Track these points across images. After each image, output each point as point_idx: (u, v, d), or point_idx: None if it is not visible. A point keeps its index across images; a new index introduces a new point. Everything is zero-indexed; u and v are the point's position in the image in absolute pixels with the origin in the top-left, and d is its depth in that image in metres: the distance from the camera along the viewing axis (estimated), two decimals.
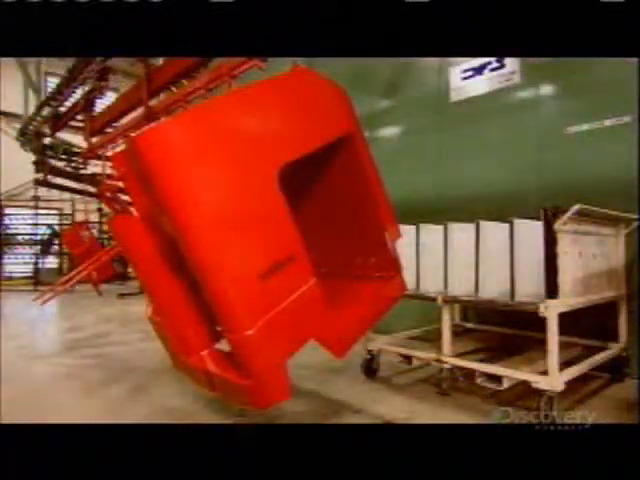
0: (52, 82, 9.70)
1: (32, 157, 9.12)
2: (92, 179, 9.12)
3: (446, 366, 2.91)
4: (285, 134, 1.78)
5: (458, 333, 3.60)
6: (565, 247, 2.45)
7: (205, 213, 1.53)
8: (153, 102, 5.27)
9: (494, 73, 4.14)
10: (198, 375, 1.94)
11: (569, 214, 2.40)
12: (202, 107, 1.85)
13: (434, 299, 2.90)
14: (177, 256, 1.71)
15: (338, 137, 2.00)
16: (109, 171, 6.61)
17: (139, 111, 5.58)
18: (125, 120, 6.18)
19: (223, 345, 1.82)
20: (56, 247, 12.88)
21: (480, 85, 4.23)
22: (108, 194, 6.12)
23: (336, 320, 1.87)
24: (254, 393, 1.68)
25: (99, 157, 6.77)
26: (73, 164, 9.16)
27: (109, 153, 6.22)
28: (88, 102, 6.36)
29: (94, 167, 8.50)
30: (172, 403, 2.90)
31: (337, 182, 2.23)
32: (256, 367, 1.61)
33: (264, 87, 1.81)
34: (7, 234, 12.82)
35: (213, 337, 1.95)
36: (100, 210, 12.86)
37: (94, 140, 6.57)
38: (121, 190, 6.28)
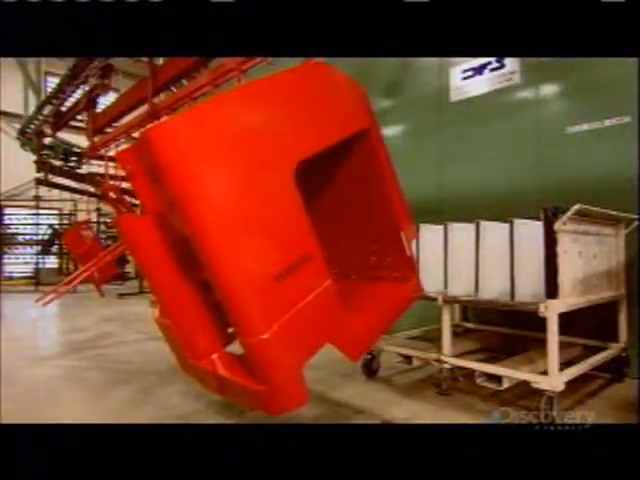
0: (52, 82, 9.71)
1: (33, 157, 9.14)
2: (92, 179, 9.13)
3: (446, 366, 2.91)
4: (301, 129, 1.71)
5: (458, 333, 3.60)
6: (565, 247, 2.45)
7: (219, 211, 1.47)
8: (156, 100, 5.27)
9: (494, 73, 4.14)
10: (208, 379, 1.87)
11: (569, 214, 2.40)
12: (216, 101, 1.77)
13: (434, 299, 2.90)
14: (187, 256, 1.65)
15: (354, 133, 1.94)
16: (112, 171, 6.59)
17: (141, 110, 5.57)
18: (127, 119, 6.17)
19: (233, 348, 1.78)
20: (57, 247, 12.88)
21: (480, 85, 4.23)
22: (111, 194, 6.12)
23: (352, 322, 1.82)
24: (268, 399, 1.61)
25: (101, 157, 6.76)
26: (72, 164, 9.16)
27: (111, 152, 6.21)
28: (90, 100, 6.35)
29: (93, 167, 8.51)
30: (178, 405, 2.90)
31: (352, 179, 2.17)
32: (271, 372, 1.55)
33: (278, 80, 1.75)
34: (7, 234, 12.84)
35: (224, 340, 1.88)
36: (99, 210, 12.87)
37: (96, 139, 6.57)
38: (123, 190, 6.30)
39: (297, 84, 1.81)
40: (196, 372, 1.95)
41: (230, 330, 1.84)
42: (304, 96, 1.81)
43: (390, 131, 5.00)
